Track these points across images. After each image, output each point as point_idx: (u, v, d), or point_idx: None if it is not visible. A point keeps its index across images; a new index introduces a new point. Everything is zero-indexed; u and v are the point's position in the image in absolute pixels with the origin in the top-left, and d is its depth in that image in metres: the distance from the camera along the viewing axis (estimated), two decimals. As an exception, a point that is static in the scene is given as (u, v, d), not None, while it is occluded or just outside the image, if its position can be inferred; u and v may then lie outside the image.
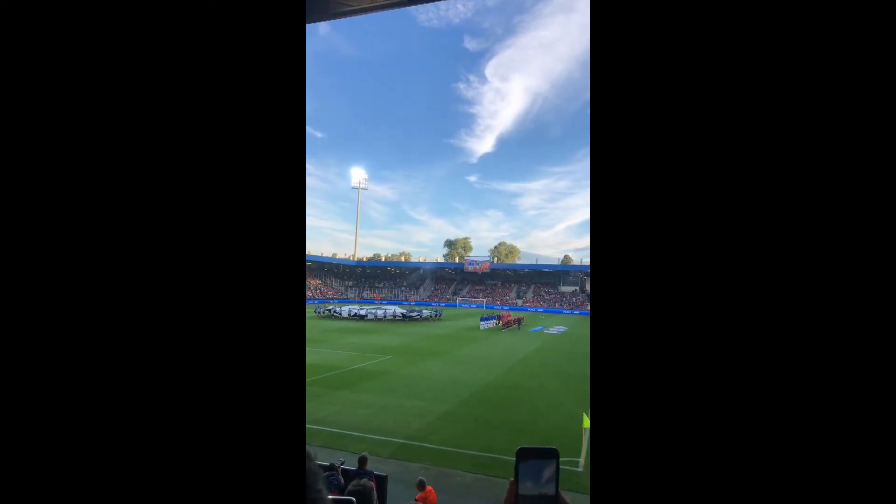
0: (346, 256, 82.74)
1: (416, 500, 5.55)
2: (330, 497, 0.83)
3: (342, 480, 5.25)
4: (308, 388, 12.54)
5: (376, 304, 55.15)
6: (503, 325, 35.42)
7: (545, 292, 66.05)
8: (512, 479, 0.70)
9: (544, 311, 56.79)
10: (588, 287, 57.74)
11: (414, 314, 40.14)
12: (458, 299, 67.14)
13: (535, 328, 35.65)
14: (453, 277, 73.52)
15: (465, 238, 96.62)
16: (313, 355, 18.65)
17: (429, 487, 5.69)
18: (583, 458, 8.43)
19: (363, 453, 6.10)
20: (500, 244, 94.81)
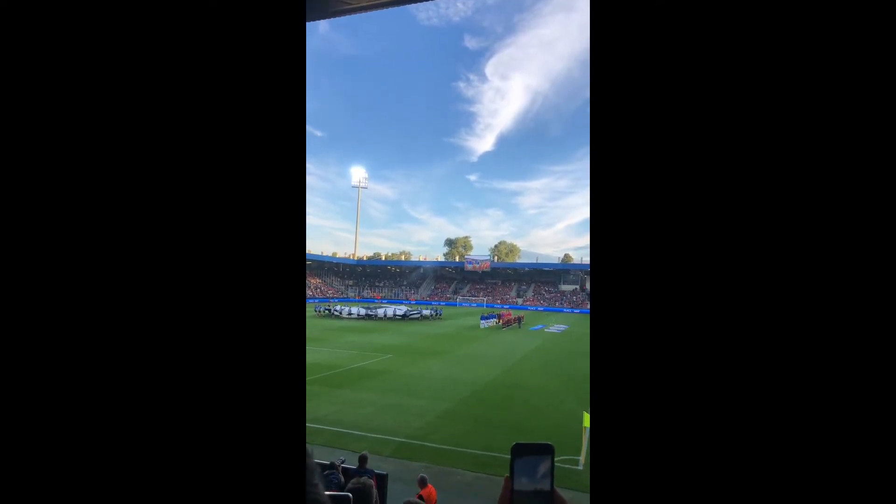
0: (347, 255, 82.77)
1: (418, 497, 5.55)
2: (327, 493, 0.84)
3: (342, 479, 5.26)
4: (308, 387, 12.54)
5: (376, 303, 55.14)
6: (503, 324, 35.45)
7: (545, 291, 66.07)
8: (507, 475, 0.70)
9: (544, 310, 56.83)
10: (588, 286, 57.78)
11: (413, 314, 39.46)
12: (459, 298, 67.18)
13: (536, 327, 35.67)
14: (453, 276, 73.55)
15: (466, 237, 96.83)
16: (313, 354, 18.67)
17: (429, 486, 5.70)
18: (583, 457, 8.44)
19: (363, 452, 6.12)
20: (500, 243, 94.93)
